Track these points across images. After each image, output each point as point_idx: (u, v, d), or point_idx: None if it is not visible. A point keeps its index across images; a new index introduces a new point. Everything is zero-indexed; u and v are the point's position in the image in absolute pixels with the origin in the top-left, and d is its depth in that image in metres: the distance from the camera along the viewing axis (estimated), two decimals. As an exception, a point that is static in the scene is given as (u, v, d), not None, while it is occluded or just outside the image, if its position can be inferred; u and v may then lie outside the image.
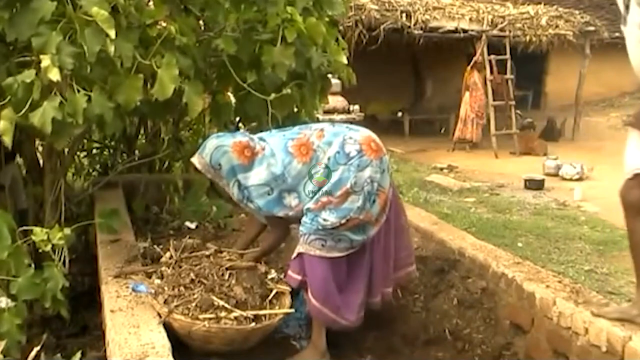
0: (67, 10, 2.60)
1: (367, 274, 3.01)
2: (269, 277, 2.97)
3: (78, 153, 4.79)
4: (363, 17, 10.70)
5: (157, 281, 2.82)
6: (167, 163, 5.05)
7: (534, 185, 8.32)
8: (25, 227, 2.92)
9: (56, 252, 2.85)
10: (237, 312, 2.66)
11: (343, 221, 2.83)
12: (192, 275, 2.83)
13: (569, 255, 5.39)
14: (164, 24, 2.96)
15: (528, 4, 12.86)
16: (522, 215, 6.81)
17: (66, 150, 3.80)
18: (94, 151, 5.27)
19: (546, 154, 10.43)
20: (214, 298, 2.69)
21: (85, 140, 4.84)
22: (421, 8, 11.22)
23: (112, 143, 5.18)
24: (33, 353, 2.53)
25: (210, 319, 2.60)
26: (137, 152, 4.99)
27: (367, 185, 2.88)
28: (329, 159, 2.88)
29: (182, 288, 2.75)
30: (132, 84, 2.81)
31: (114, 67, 2.80)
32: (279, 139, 3.00)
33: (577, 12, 13.07)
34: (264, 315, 2.76)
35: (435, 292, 3.49)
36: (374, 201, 2.92)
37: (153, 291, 2.71)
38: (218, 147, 2.93)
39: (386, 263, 3.09)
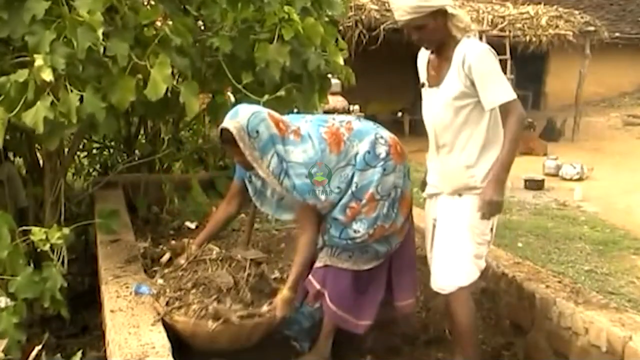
0: (62, 11, 2.61)
1: (386, 278, 2.98)
2: (272, 277, 2.92)
3: (78, 153, 4.80)
4: (363, 17, 10.71)
5: (160, 281, 2.76)
6: (167, 163, 5.05)
7: (534, 185, 8.32)
8: (25, 227, 2.92)
9: (55, 252, 2.85)
10: (240, 312, 2.60)
11: (371, 231, 2.76)
12: (196, 277, 2.73)
13: (569, 255, 5.40)
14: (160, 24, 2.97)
15: (528, 4, 12.86)
16: (522, 215, 6.81)
17: (66, 150, 3.80)
18: (94, 151, 5.27)
19: (546, 154, 10.43)
20: (216, 306, 2.60)
21: (85, 140, 4.85)
22: (421, 8, 11.21)
23: (112, 143, 5.18)
24: (34, 353, 2.53)
25: (213, 319, 2.55)
26: (137, 152, 4.99)
27: (393, 192, 2.81)
28: (356, 156, 2.75)
29: (184, 292, 2.66)
30: (126, 84, 2.81)
31: (107, 67, 2.80)
32: (308, 123, 2.80)
33: (577, 12, 13.08)
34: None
35: (435, 292, 3.48)
36: (397, 209, 2.84)
37: (155, 292, 2.68)
38: (255, 113, 2.64)
39: (408, 270, 3.02)
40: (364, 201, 2.75)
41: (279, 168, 2.65)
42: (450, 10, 2.64)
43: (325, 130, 2.76)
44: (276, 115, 2.74)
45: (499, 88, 2.63)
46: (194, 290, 2.66)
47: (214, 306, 2.57)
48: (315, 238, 2.77)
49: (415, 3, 2.57)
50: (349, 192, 2.74)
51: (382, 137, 2.82)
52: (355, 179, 2.74)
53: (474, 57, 2.63)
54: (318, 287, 2.90)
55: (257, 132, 2.60)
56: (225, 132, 2.63)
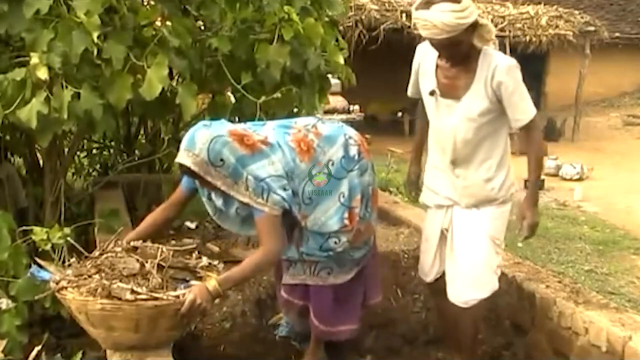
0: (61, 10, 2.62)
1: (363, 282, 2.91)
2: (200, 265, 2.53)
3: (78, 153, 4.79)
4: (363, 17, 10.72)
5: (69, 271, 2.44)
6: (167, 163, 5.05)
7: (534, 185, 8.32)
8: (25, 227, 2.92)
9: (56, 252, 2.84)
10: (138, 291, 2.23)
11: (351, 238, 2.67)
12: (98, 263, 2.41)
13: (569, 255, 5.40)
14: (159, 25, 2.97)
15: (528, 4, 12.87)
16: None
17: (66, 150, 3.80)
18: (94, 151, 5.27)
19: (546, 154, 10.43)
20: (107, 282, 2.25)
21: (85, 140, 4.84)
22: (421, 8, 11.22)
23: (112, 143, 5.18)
24: (34, 353, 2.53)
25: (106, 296, 2.21)
26: (137, 152, 4.99)
27: (367, 190, 2.72)
28: (331, 162, 2.61)
29: (85, 277, 2.33)
30: (123, 83, 2.80)
31: (105, 66, 2.79)
32: (274, 131, 2.60)
33: (577, 12, 13.08)
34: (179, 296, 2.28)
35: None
36: (370, 208, 2.76)
37: (57, 278, 2.37)
38: (214, 138, 2.37)
39: (376, 269, 2.99)
40: (357, 209, 2.66)
41: (260, 188, 2.40)
42: (480, 21, 2.51)
43: (291, 138, 2.58)
44: (238, 129, 2.53)
45: (526, 105, 2.61)
46: (96, 276, 2.33)
47: (106, 284, 2.25)
48: (272, 258, 2.51)
49: (454, 21, 2.38)
50: (338, 203, 2.61)
51: (351, 138, 2.69)
52: (341, 189, 2.61)
53: (504, 73, 2.54)
54: (300, 303, 2.85)
55: (222, 159, 2.36)
56: (189, 172, 2.39)
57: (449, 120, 2.65)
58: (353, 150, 2.67)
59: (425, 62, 2.72)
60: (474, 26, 2.49)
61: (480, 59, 2.56)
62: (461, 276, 2.72)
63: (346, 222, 2.62)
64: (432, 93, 2.68)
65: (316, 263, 2.73)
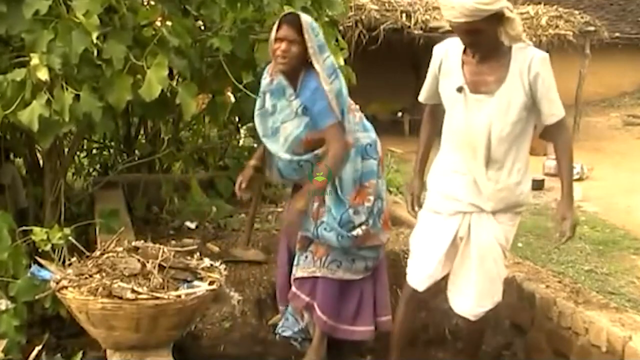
0: (61, 11, 2.62)
1: (373, 291, 2.99)
2: (201, 266, 2.58)
3: (78, 153, 4.79)
4: (363, 17, 10.70)
5: (69, 271, 2.48)
6: (167, 163, 5.05)
7: (534, 185, 8.21)
8: (25, 227, 2.92)
9: (56, 252, 2.85)
10: (139, 290, 2.27)
11: (364, 227, 2.80)
12: (99, 262, 2.45)
13: (569, 255, 5.39)
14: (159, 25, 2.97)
15: (528, 4, 12.86)
16: (522, 215, 6.79)
17: (66, 150, 3.80)
18: (94, 151, 5.27)
19: (546, 154, 10.40)
20: (108, 282, 2.29)
21: (85, 140, 4.85)
22: (421, 8, 11.21)
23: (112, 143, 5.18)
24: (34, 353, 2.53)
25: (106, 295, 2.25)
26: (137, 152, 4.99)
27: (379, 202, 2.89)
28: (358, 141, 2.85)
29: (86, 276, 2.39)
30: (123, 84, 2.81)
31: (105, 67, 2.80)
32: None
33: (577, 12, 13.05)
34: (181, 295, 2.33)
35: (435, 292, 3.48)
36: (381, 222, 2.90)
37: (58, 277, 2.42)
38: None
39: (386, 286, 3.06)
40: (369, 189, 2.83)
41: (332, 69, 2.75)
42: (507, 14, 2.40)
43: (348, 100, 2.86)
44: None
45: (558, 102, 2.55)
46: (97, 276, 2.38)
47: (107, 283, 2.28)
48: (342, 154, 2.72)
49: (473, 5, 2.30)
50: (353, 179, 2.82)
51: (378, 142, 2.96)
52: (356, 163, 2.83)
53: (540, 65, 2.49)
54: (307, 299, 2.89)
55: (318, 33, 2.75)
56: (293, 17, 2.71)
57: (481, 117, 2.52)
58: (378, 148, 2.94)
59: (449, 59, 2.62)
60: (499, 18, 2.37)
61: (513, 52, 2.48)
62: (474, 288, 2.62)
63: (353, 193, 2.81)
64: (460, 89, 2.55)
65: (327, 254, 2.84)
